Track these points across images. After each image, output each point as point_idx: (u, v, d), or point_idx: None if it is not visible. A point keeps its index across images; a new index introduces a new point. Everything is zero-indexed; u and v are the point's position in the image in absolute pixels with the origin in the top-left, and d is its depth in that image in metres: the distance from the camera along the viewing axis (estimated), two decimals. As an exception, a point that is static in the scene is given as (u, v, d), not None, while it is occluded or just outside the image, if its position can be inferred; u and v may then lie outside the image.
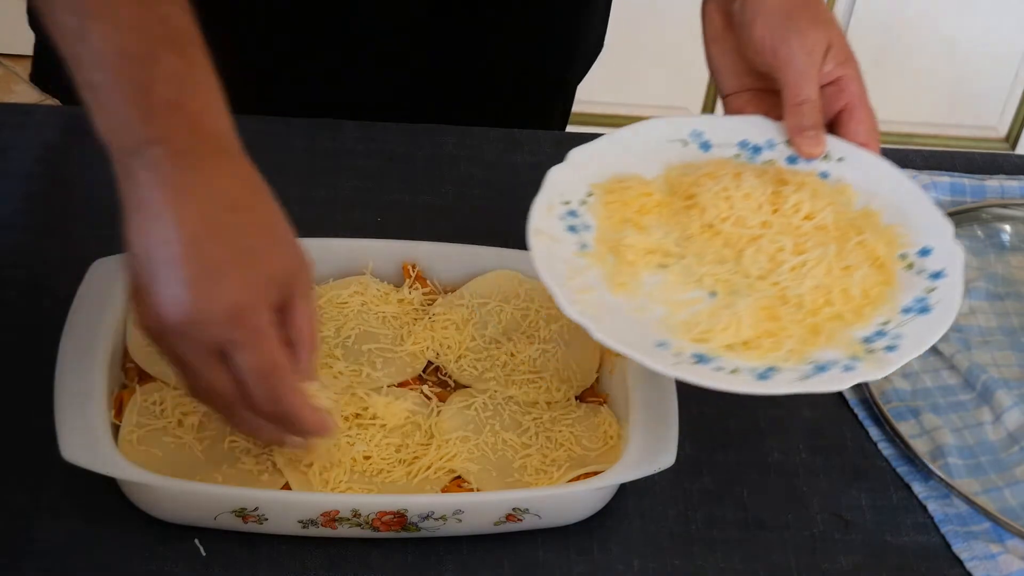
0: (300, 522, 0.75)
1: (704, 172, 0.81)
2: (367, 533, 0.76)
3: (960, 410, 0.89)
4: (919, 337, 0.73)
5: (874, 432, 0.87)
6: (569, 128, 1.23)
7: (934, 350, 0.92)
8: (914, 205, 0.81)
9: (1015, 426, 0.88)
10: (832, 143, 0.83)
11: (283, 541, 0.77)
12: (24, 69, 2.51)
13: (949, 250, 0.78)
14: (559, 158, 1.04)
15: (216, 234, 0.66)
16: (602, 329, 0.71)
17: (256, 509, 0.74)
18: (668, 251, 0.78)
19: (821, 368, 0.72)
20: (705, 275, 0.76)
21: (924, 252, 0.78)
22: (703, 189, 0.79)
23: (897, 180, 0.82)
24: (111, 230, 0.92)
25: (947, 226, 0.79)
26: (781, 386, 0.71)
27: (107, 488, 0.76)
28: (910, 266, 0.78)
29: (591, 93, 1.28)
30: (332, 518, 0.74)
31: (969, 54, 2.27)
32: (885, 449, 0.86)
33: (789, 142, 0.83)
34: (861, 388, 0.89)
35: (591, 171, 0.81)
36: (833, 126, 0.84)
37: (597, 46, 1.17)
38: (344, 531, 0.76)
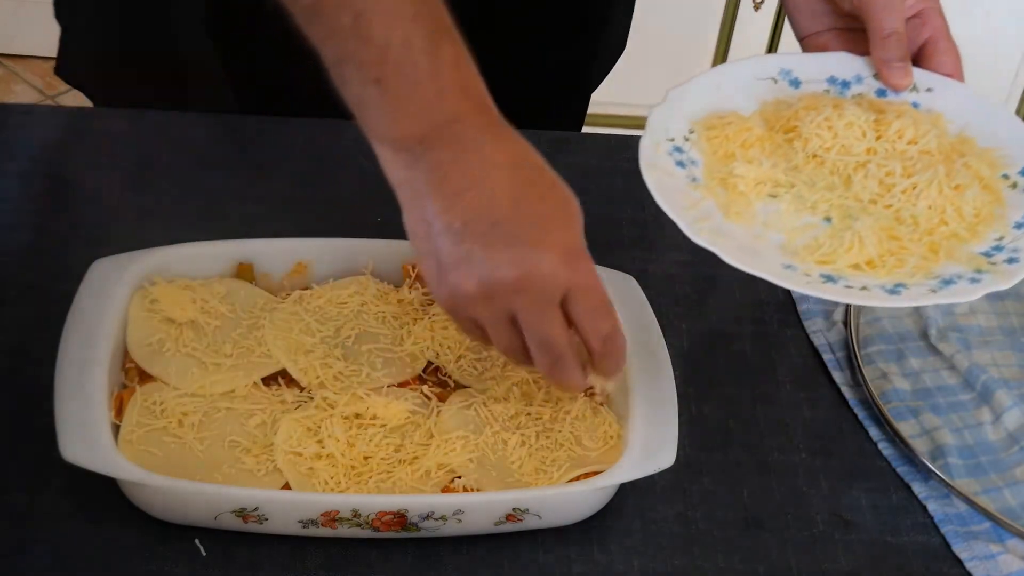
0: (300, 522, 0.75)
1: (802, 106, 0.83)
2: (367, 533, 0.76)
3: (960, 410, 0.89)
4: None
5: (874, 432, 0.87)
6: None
7: (934, 350, 0.92)
8: (1006, 130, 0.84)
9: (1015, 426, 0.88)
10: (919, 75, 0.85)
11: (283, 541, 0.77)
12: (24, 69, 2.51)
13: None
14: (558, 157, 1.04)
15: (533, 192, 0.70)
16: (731, 254, 0.73)
17: (256, 509, 0.74)
18: (778, 181, 0.79)
19: (947, 282, 0.74)
20: (818, 201, 0.79)
21: None
22: (804, 121, 0.81)
23: (987, 107, 0.85)
24: (111, 230, 0.93)
25: None
26: (914, 299, 0.73)
27: (107, 488, 0.76)
28: (1014, 185, 0.80)
29: (607, 95, 1.28)
30: (332, 518, 0.74)
31: (970, 55, 2.27)
32: (885, 449, 0.86)
33: (877, 75, 0.85)
34: (861, 388, 0.89)
35: (689, 109, 0.83)
36: (918, 59, 0.86)
37: (619, 47, 1.17)
38: (344, 531, 0.76)
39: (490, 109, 0.72)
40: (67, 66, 1.11)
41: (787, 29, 2.20)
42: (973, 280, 0.74)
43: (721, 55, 2.23)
